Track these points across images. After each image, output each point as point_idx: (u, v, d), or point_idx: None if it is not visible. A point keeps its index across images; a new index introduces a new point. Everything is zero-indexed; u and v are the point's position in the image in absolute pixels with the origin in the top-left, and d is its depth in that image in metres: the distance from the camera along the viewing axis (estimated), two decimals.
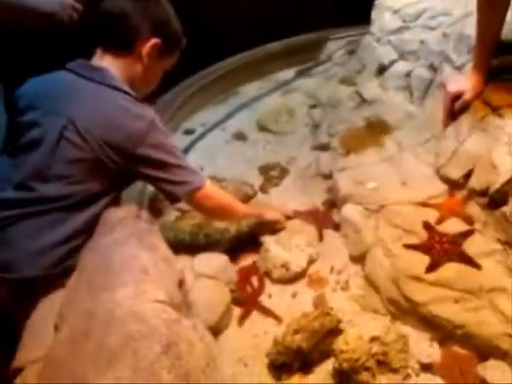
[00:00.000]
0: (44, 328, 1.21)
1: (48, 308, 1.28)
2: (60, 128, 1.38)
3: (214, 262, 1.65)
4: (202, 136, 2.45)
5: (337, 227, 1.84)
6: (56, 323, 1.17)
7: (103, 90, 1.43)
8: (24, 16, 1.75)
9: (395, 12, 2.76)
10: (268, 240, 1.74)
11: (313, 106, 2.66)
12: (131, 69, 1.51)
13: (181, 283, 1.30)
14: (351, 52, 3.05)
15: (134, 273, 1.18)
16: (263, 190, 2.11)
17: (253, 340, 1.48)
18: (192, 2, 4.03)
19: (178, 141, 2.37)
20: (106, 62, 1.49)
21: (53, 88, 1.47)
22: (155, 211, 1.94)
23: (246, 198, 2.03)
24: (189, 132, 2.44)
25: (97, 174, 1.42)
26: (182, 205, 1.95)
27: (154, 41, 1.48)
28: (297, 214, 1.89)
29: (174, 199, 1.50)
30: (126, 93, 1.45)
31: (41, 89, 1.49)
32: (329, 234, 1.83)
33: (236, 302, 1.58)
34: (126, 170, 1.43)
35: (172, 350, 1.00)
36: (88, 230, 1.40)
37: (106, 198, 1.46)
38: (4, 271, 1.39)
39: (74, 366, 0.96)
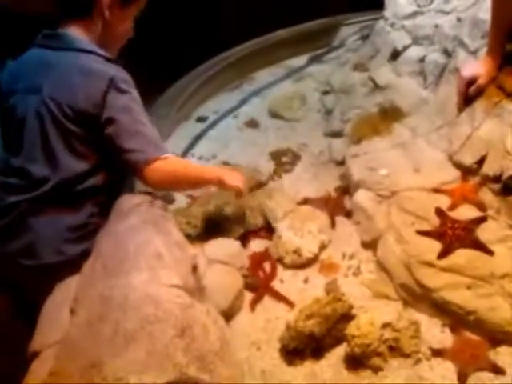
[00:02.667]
0: (60, 312, 1.23)
1: (63, 293, 1.30)
2: (35, 106, 1.40)
3: (226, 247, 1.67)
4: (214, 123, 2.45)
5: (349, 213, 1.85)
6: (72, 307, 1.19)
7: (68, 56, 1.43)
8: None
9: None
10: (280, 226, 1.75)
11: (325, 93, 2.65)
12: (96, 28, 1.48)
13: (194, 268, 1.32)
14: (364, 37, 3.03)
15: (148, 258, 1.20)
16: (276, 176, 2.11)
17: (265, 324, 1.49)
18: None
19: (191, 128, 2.38)
20: (71, 28, 1.47)
21: (26, 67, 1.49)
22: (168, 198, 1.96)
23: (259, 185, 2.03)
24: (201, 119, 2.44)
25: (82, 147, 1.42)
26: (194, 191, 1.97)
27: None
28: (309, 201, 1.90)
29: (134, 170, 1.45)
30: (91, 52, 1.43)
31: (16, 71, 1.52)
32: (341, 220, 1.83)
33: (248, 287, 1.59)
34: (96, 138, 1.41)
35: (186, 334, 1.01)
36: (101, 213, 1.43)
37: (104, 178, 1.47)
38: (25, 257, 1.42)
39: (90, 349, 0.98)
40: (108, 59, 1.44)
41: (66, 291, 1.30)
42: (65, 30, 1.47)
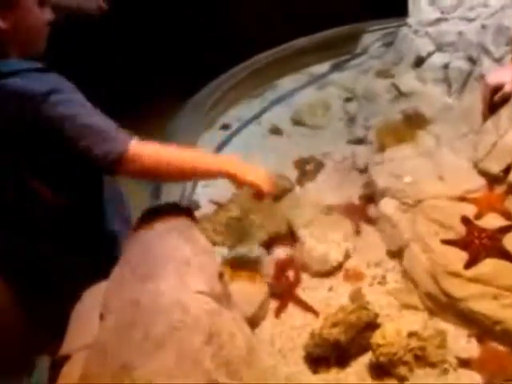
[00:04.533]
0: (89, 317, 1.25)
1: (92, 298, 1.32)
2: None
3: (251, 255, 1.67)
4: (238, 131, 2.47)
5: (373, 222, 1.84)
6: (101, 312, 1.21)
7: None
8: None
9: (432, 3, 2.73)
10: (304, 233, 1.76)
11: (348, 100, 2.66)
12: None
13: (221, 275, 1.33)
14: (387, 44, 3.02)
15: (176, 264, 1.21)
16: (299, 183, 2.12)
17: (290, 332, 1.50)
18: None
19: (215, 136, 2.40)
20: None
21: None
22: (193, 205, 1.98)
23: (283, 192, 2.04)
24: (225, 127, 2.47)
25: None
26: (219, 198, 1.99)
27: None
28: (334, 209, 1.90)
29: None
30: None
31: None
32: (365, 228, 1.83)
33: (273, 294, 1.60)
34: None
35: (214, 340, 1.02)
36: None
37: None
38: None
39: (120, 353, 0.99)
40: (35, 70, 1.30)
41: (94, 297, 1.32)
42: None
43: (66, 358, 1.19)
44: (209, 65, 2.67)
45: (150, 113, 3.55)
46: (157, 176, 1.41)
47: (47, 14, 1.39)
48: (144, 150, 1.28)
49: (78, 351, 1.15)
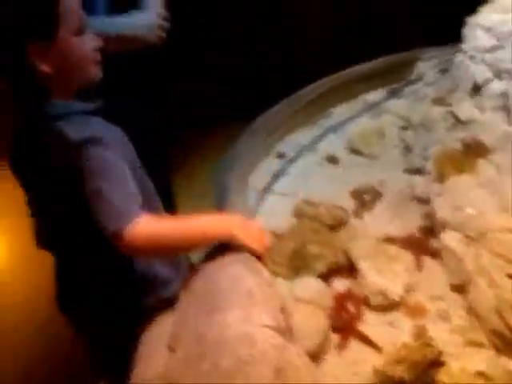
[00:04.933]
0: (157, 348, 1.28)
1: (160, 330, 1.35)
2: None
3: (311, 287, 1.67)
4: (293, 159, 2.48)
5: (435, 254, 1.81)
6: (169, 344, 1.23)
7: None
8: (112, 44, 1.83)
9: (488, 30, 2.69)
10: (364, 266, 1.74)
11: (404, 128, 2.63)
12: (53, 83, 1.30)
13: (283, 308, 1.33)
14: (443, 71, 3.00)
15: (240, 296, 1.22)
16: (356, 214, 2.11)
17: (352, 367, 1.48)
18: (283, 30, 4.15)
19: (271, 164, 2.42)
20: None
21: None
22: None
23: (340, 223, 2.03)
24: (281, 155, 2.48)
25: None
26: (276, 229, 2.00)
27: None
28: (393, 240, 1.87)
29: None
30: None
31: None
32: (427, 261, 1.80)
33: (333, 328, 1.59)
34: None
35: (281, 375, 1.03)
36: None
37: None
38: None
39: None
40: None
41: (161, 328, 1.35)
42: None
43: None
44: (271, 90, 2.72)
45: (213, 133, 3.69)
46: (162, 252, 1.42)
47: (90, 41, 1.36)
48: (149, 226, 1.26)
49: (149, 381, 1.18)
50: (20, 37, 1.24)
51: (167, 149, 2.38)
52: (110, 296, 1.47)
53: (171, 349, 1.22)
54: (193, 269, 1.43)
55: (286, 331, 1.23)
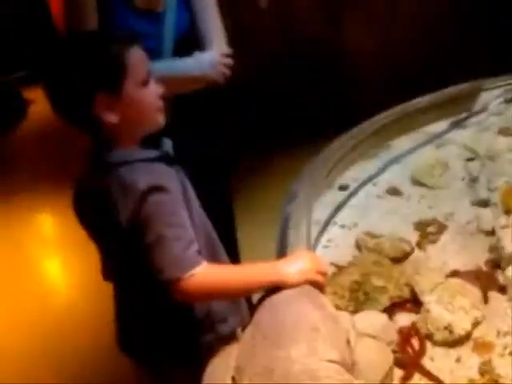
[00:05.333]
0: (222, 380, 1.32)
1: (224, 361, 1.39)
2: None
3: (375, 320, 1.66)
4: (355, 192, 2.49)
5: (503, 289, 1.76)
6: (233, 375, 1.27)
7: None
8: (177, 85, 1.90)
9: None
10: (429, 300, 1.72)
11: (470, 159, 2.59)
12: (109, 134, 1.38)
13: (347, 342, 1.35)
14: (508, 101, 2.94)
15: (305, 330, 1.25)
16: (420, 246, 2.09)
17: None
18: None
19: (333, 196, 2.44)
20: None
21: None
22: None
23: (403, 255, 2.02)
24: (343, 188, 2.50)
25: None
26: (339, 260, 2.01)
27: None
28: (459, 274, 1.84)
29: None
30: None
31: None
32: (494, 295, 1.76)
33: (397, 363, 1.57)
34: None
35: None
36: None
37: None
38: None
39: None
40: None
41: (226, 359, 1.39)
42: None
43: None
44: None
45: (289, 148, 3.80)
46: (216, 299, 1.50)
47: (154, 90, 1.40)
48: (205, 277, 1.32)
49: None
50: (88, 89, 1.30)
51: (231, 191, 2.46)
52: (169, 334, 1.52)
53: (234, 380, 1.25)
54: (257, 303, 1.47)
55: (351, 366, 1.24)
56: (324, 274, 1.51)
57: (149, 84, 1.39)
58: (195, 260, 1.33)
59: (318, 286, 1.45)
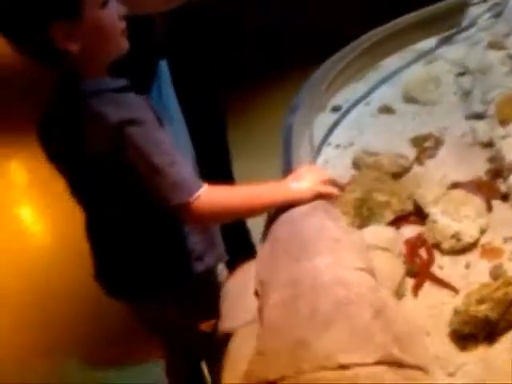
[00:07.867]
0: (243, 295, 1.31)
1: (243, 276, 1.38)
2: None
3: (382, 234, 1.67)
4: (347, 112, 2.45)
5: (505, 197, 1.78)
6: (257, 289, 1.26)
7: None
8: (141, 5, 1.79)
9: None
10: (434, 211, 1.73)
11: (461, 74, 2.56)
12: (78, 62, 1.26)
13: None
14: (496, 15, 2.89)
15: (327, 242, 1.24)
16: (418, 161, 2.08)
17: (430, 311, 1.49)
18: None
19: (327, 118, 2.40)
20: None
21: None
22: None
23: (403, 171, 2.01)
24: (336, 109, 2.45)
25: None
26: (338, 179, 1.99)
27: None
28: (460, 185, 1.85)
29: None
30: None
31: None
32: (497, 204, 1.77)
33: (408, 273, 1.59)
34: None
35: (380, 315, 1.04)
36: None
37: None
38: None
39: (292, 330, 1.03)
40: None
41: (244, 275, 1.38)
42: None
43: (226, 335, 1.24)
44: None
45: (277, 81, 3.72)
46: (226, 220, 1.47)
47: (114, 11, 1.26)
48: (212, 197, 1.28)
49: (240, 328, 1.21)
50: (44, 18, 1.17)
51: (223, 111, 2.39)
52: (147, 268, 1.48)
53: (258, 294, 1.24)
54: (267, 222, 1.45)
55: (374, 274, 1.24)
56: (334, 184, 1.48)
57: (108, 4, 1.25)
58: (196, 182, 1.29)
59: (331, 198, 1.43)
